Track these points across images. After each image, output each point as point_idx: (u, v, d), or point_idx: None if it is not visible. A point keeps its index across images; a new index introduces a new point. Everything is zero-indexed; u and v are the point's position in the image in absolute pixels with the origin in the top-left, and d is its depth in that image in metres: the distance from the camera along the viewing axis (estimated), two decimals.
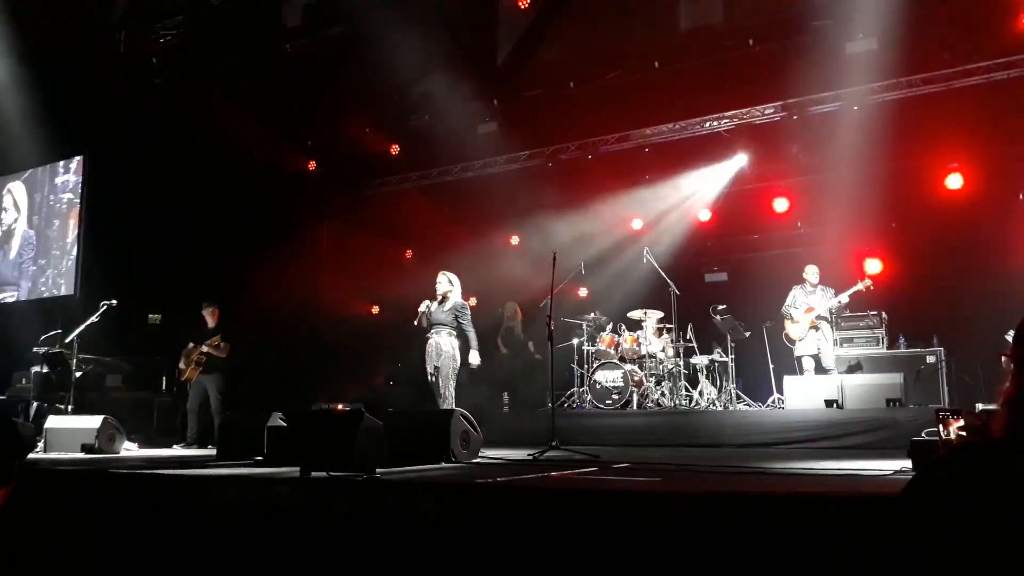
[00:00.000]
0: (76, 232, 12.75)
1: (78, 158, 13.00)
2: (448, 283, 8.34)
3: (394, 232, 14.26)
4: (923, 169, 10.82)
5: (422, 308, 8.26)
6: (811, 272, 10.09)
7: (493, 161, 13.18)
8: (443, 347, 8.19)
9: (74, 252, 12.69)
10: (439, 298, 8.33)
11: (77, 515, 4.97)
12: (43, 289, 13.12)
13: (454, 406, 8.06)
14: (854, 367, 9.60)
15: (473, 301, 10.55)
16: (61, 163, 13.22)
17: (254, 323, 11.60)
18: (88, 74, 11.66)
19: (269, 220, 12.95)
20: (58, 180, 13.30)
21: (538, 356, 11.99)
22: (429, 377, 8.28)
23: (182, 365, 10.09)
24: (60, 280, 12.89)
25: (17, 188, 13.87)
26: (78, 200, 12.86)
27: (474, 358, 8.27)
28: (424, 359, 8.36)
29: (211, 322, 10.18)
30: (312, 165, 14.14)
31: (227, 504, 4.78)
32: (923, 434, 5.54)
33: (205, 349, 9.88)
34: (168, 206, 11.97)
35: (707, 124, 11.75)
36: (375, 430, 5.47)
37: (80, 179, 12.92)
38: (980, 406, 6.46)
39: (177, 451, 9.46)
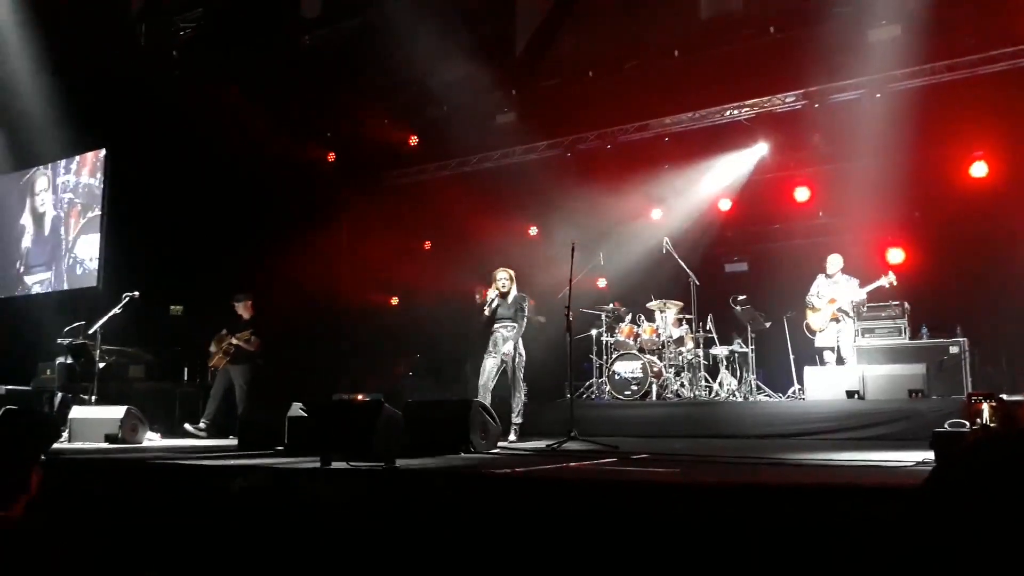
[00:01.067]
0: (99, 224, 12.90)
1: (100, 152, 13.15)
2: (509, 279, 8.49)
3: (412, 223, 14.30)
4: (947, 157, 10.68)
5: (489, 301, 8.37)
6: (833, 261, 10.02)
7: (511, 151, 13.16)
8: (508, 342, 8.31)
9: (97, 244, 12.84)
10: (499, 294, 8.46)
11: (102, 504, 5.04)
12: (66, 279, 13.30)
13: (523, 398, 8.24)
14: (875, 357, 9.53)
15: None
16: (82, 156, 13.38)
17: (274, 314, 11.67)
18: (109, 68, 11.76)
19: (288, 212, 13.01)
20: (82, 172, 13.47)
21: (541, 319, 11.97)
22: (487, 366, 8.38)
23: (212, 349, 10.21)
24: (83, 270, 13.06)
25: (42, 179, 14.07)
26: (100, 192, 13.01)
27: (519, 347, 8.40)
28: (488, 352, 8.51)
29: (245, 314, 10.28)
30: (331, 156, 14.19)
31: (248, 494, 4.82)
32: (946, 425, 5.49)
33: (235, 341, 9.97)
34: (188, 199, 12.05)
35: (727, 113, 11.67)
36: (394, 420, 5.50)
37: (102, 172, 13.07)
38: (1005, 397, 6.38)
39: (192, 439, 9.50)
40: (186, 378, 11.79)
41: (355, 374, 13.06)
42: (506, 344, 8.32)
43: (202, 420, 9.94)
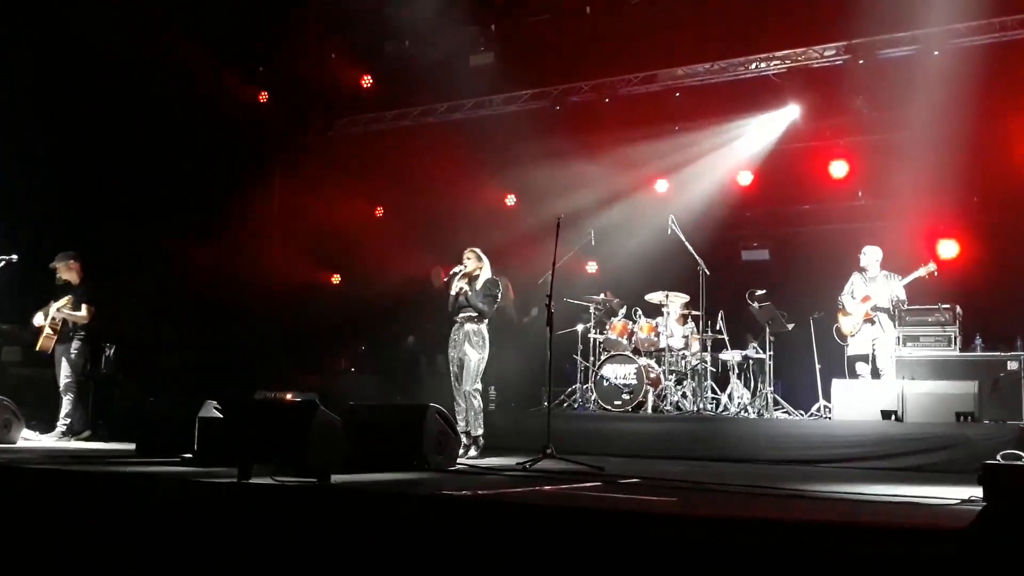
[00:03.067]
0: None
1: None
2: (477, 260, 8.50)
3: (362, 184, 14.21)
4: (1014, 131, 10.81)
5: (453, 290, 8.37)
6: (870, 255, 10.04)
7: (487, 101, 13.10)
8: (472, 335, 8.31)
9: None
10: (467, 278, 8.43)
11: None
12: None
13: (478, 408, 8.26)
14: (918, 371, 9.66)
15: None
16: None
17: (183, 291, 11.57)
18: None
19: (207, 164, 12.85)
20: None
21: (526, 319, 11.99)
22: (451, 364, 8.48)
23: (37, 323, 9.80)
24: None
25: None
26: None
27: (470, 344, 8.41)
28: (448, 349, 8.52)
29: (73, 278, 9.86)
30: (263, 97, 14.03)
31: (149, 509, 4.80)
32: (998, 456, 5.59)
33: (56, 311, 9.59)
34: (84, 143, 11.85)
35: (753, 66, 11.69)
36: (331, 427, 5.49)
37: None
38: None
39: (75, 442, 9.38)
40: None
41: (284, 368, 13.00)
42: (468, 338, 8.36)
43: (59, 422, 9.61)
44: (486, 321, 8.44)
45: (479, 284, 8.45)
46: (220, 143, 13.14)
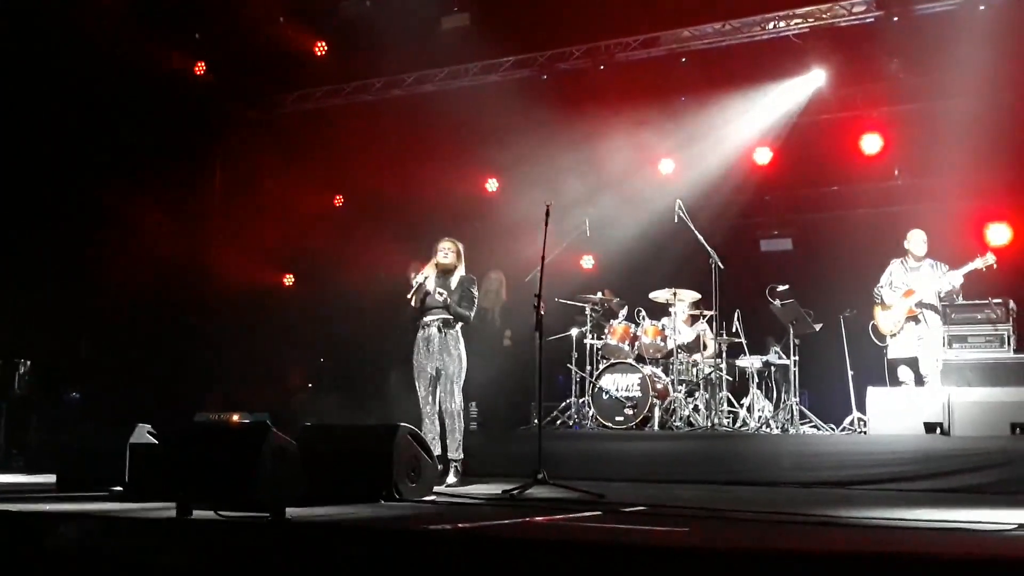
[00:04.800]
0: None
1: None
2: (455, 253, 8.49)
3: (317, 169, 14.19)
4: None
5: (419, 279, 8.32)
6: (916, 240, 10.06)
7: (463, 70, 13.12)
8: (450, 340, 8.27)
9: None
10: (441, 272, 8.41)
11: None
12: None
13: (459, 427, 8.23)
14: (966, 377, 9.71)
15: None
16: None
17: (109, 297, 11.52)
18: None
19: (136, 147, 12.82)
20: None
21: (508, 343, 11.99)
22: (419, 377, 8.40)
23: None
24: None
25: None
26: None
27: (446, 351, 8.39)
28: (414, 357, 8.45)
29: None
30: (201, 68, 13.99)
31: (69, 553, 4.78)
32: None
33: None
34: None
35: (770, 25, 11.73)
36: (286, 452, 5.47)
37: None
38: None
39: (11, 475, 9.39)
40: None
41: (229, 385, 12.97)
42: (446, 346, 8.34)
43: None
44: (460, 324, 8.43)
45: (454, 283, 8.43)
46: (148, 124, 13.07)
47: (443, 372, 8.33)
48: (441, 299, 8.30)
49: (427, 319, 8.41)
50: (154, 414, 7.38)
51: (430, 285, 8.37)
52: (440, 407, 8.38)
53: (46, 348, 10.95)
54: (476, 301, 8.56)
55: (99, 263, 11.21)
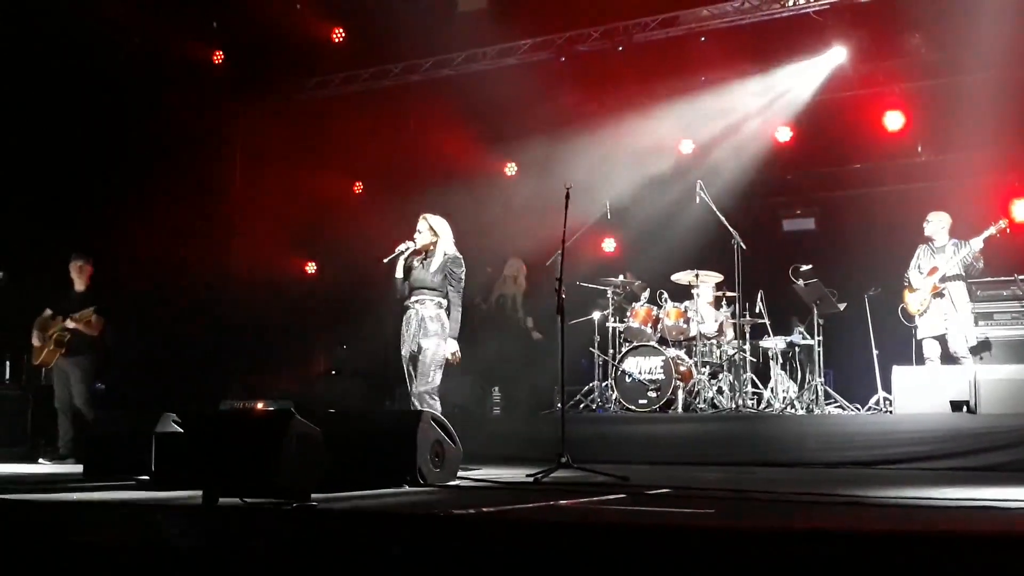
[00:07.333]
0: None
1: None
2: (431, 231, 8.33)
3: (337, 156, 14.20)
4: None
5: (399, 273, 8.23)
6: (936, 223, 10.02)
7: (480, 53, 13.08)
8: (428, 321, 8.18)
9: None
10: (421, 253, 8.31)
11: None
12: None
13: (438, 408, 8.08)
14: (993, 354, 9.65)
15: None
16: None
17: (134, 288, 11.56)
18: None
19: (155, 137, 12.84)
20: None
21: (537, 335, 12.00)
22: (405, 364, 8.32)
23: (36, 342, 10.06)
24: None
25: None
26: None
27: (450, 347, 8.23)
28: (399, 338, 8.37)
29: (80, 284, 10.11)
30: (218, 57, 14.02)
31: (98, 544, 4.80)
32: None
33: (71, 324, 9.86)
34: (13, 114, 11.83)
35: (790, 2, 11.65)
36: (310, 439, 5.49)
37: None
38: None
39: (40, 466, 9.48)
40: (7, 375, 11.68)
41: (253, 374, 13.02)
42: (424, 326, 8.11)
43: (60, 445, 9.91)
44: (446, 304, 8.23)
45: (435, 263, 8.24)
46: (168, 113, 13.07)
47: (419, 356, 8.11)
48: (416, 273, 8.19)
49: (410, 299, 8.26)
50: (179, 403, 7.39)
51: (399, 272, 8.25)
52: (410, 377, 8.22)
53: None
54: (462, 280, 8.33)
55: (121, 253, 11.23)
